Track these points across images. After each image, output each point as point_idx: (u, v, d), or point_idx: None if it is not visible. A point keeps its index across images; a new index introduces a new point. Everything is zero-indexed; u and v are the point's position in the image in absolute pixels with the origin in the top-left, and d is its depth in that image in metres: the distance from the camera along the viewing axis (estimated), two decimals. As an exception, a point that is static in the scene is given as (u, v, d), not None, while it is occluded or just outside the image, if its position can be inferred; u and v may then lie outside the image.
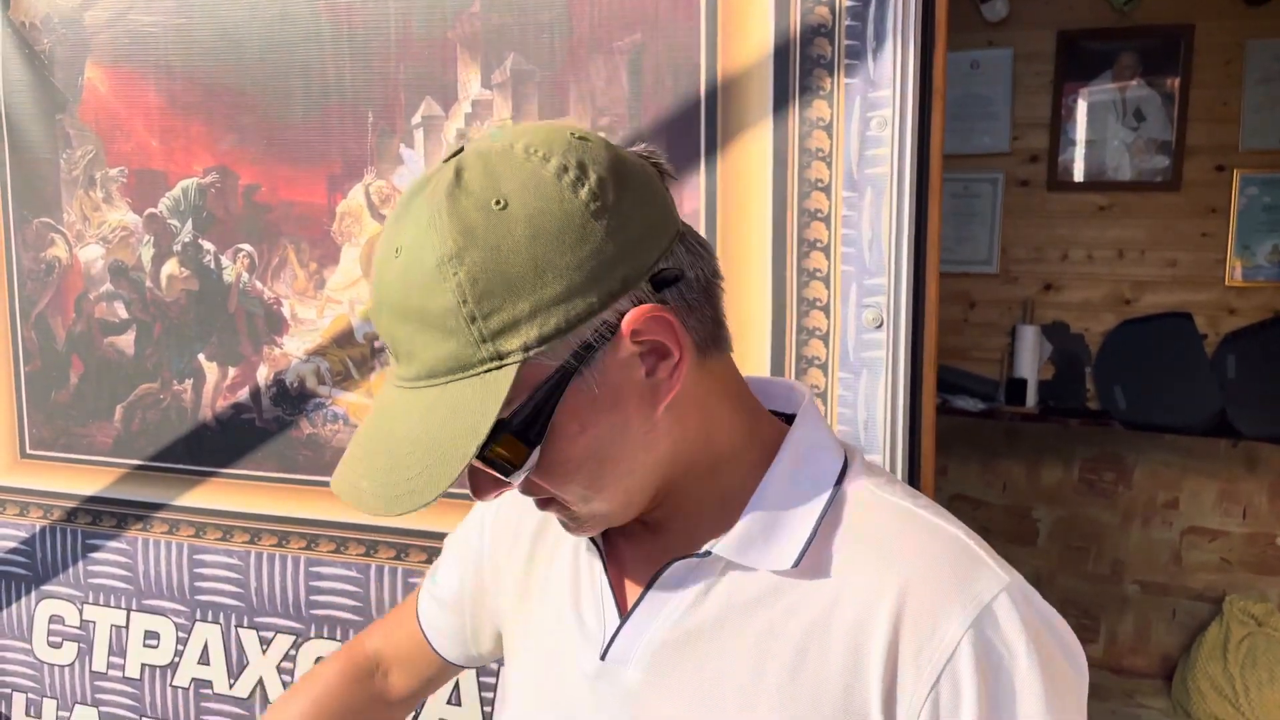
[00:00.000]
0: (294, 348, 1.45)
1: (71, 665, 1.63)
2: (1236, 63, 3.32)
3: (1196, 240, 3.45)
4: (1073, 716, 0.66)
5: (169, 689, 1.57)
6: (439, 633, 0.97)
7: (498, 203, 0.62)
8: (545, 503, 0.73)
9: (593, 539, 0.79)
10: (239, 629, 1.52)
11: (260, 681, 1.51)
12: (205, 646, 1.54)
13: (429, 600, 0.98)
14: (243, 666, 1.52)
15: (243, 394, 1.49)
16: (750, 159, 1.19)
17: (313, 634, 1.48)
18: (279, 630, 1.50)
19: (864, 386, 1.17)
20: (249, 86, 1.41)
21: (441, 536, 1.39)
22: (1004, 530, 3.42)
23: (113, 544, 1.59)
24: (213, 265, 1.48)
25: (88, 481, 1.59)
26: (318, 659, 1.48)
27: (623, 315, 0.64)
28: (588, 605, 0.79)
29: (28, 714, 1.68)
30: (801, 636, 0.69)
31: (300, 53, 1.38)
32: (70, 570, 1.62)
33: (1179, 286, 3.48)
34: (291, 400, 1.46)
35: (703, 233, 1.22)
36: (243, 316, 1.48)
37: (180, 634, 1.55)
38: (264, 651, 1.51)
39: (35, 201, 1.56)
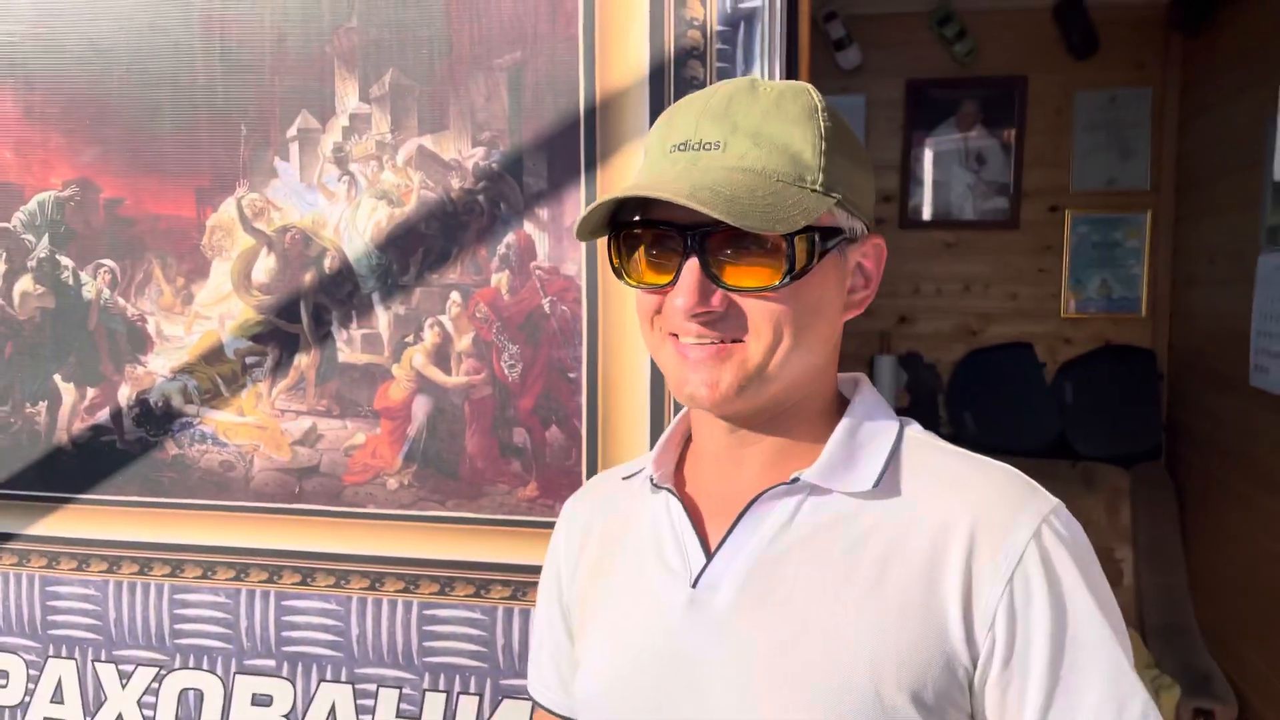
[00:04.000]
0: (159, 366, 1.41)
1: (-98, 715, 1.51)
2: (1066, 112, 3.61)
3: (1034, 275, 3.70)
4: (1112, 605, 0.78)
5: (15, 733, 1.47)
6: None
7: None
8: (711, 354, 0.78)
9: (672, 492, 0.86)
10: (96, 663, 1.44)
11: (120, 718, 1.44)
12: (59, 683, 1.45)
13: (554, 694, 1.00)
14: (100, 703, 1.44)
15: (102, 415, 1.43)
16: (629, 174, 1.23)
17: (178, 664, 1.42)
18: (140, 663, 1.43)
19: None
20: (114, 98, 1.37)
21: (307, 555, 1.37)
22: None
23: (-47, 579, 1.48)
24: (71, 281, 1.42)
25: (-75, 513, 1.49)
26: (183, 690, 1.41)
27: (866, 229, 0.83)
28: (671, 551, 0.85)
29: None
30: (884, 550, 0.78)
31: (170, 64, 1.35)
32: (-97, 610, 1.51)
33: (1020, 318, 3.73)
34: (156, 420, 1.41)
35: (584, 244, 1.26)
36: (103, 334, 1.42)
37: (31, 671, 1.46)
38: (124, 686, 1.43)
39: None
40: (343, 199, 1.33)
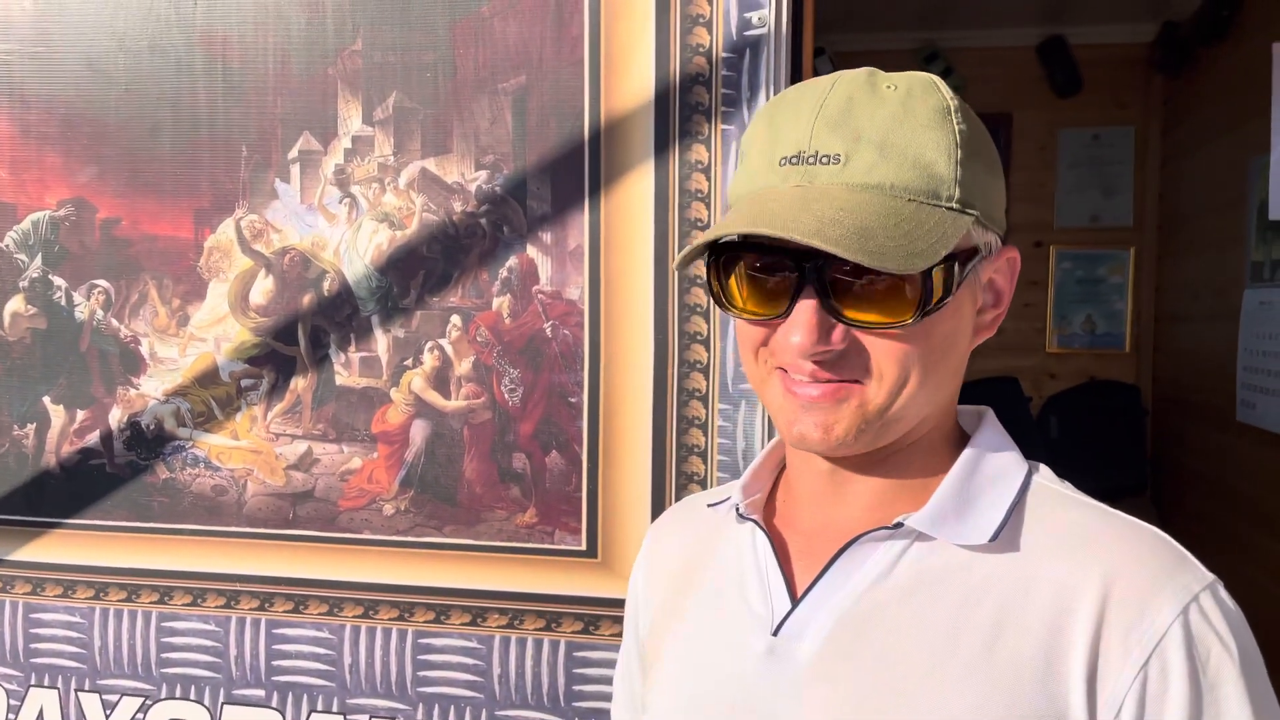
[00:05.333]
0: (152, 388, 1.39)
1: (-126, 747, 1.47)
2: (1050, 149, 3.66)
3: (1020, 310, 3.73)
4: (1272, 709, 0.68)
5: (-8, 766, 1.43)
6: None
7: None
8: (826, 394, 0.69)
9: (759, 524, 0.78)
10: (79, 693, 1.40)
11: (102, 750, 1.40)
12: (40, 713, 1.41)
13: None
14: (82, 735, 1.40)
15: (92, 438, 1.40)
16: (633, 199, 1.23)
17: (164, 694, 1.38)
18: (125, 693, 1.39)
19: (742, 417, 1.21)
20: (112, 117, 1.36)
21: (300, 582, 1.34)
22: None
23: (-68, 606, 1.45)
24: (63, 302, 1.40)
25: (-94, 538, 1.45)
26: (169, 722, 1.38)
27: (999, 244, 0.73)
28: (754, 591, 0.77)
29: None
30: (997, 613, 0.68)
31: (170, 84, 1.35)
32: (-121, 638, 1.47)
33: (1005, 353, 3.75)
34: (147, 444, 1.39)
35: (586, 268, 1.26)
36: (95, 356, 1.40)
37: (11, 701, 1.42)
38: (107, 716, 1.40)
39: None
40: (343, 221, 1.32)
